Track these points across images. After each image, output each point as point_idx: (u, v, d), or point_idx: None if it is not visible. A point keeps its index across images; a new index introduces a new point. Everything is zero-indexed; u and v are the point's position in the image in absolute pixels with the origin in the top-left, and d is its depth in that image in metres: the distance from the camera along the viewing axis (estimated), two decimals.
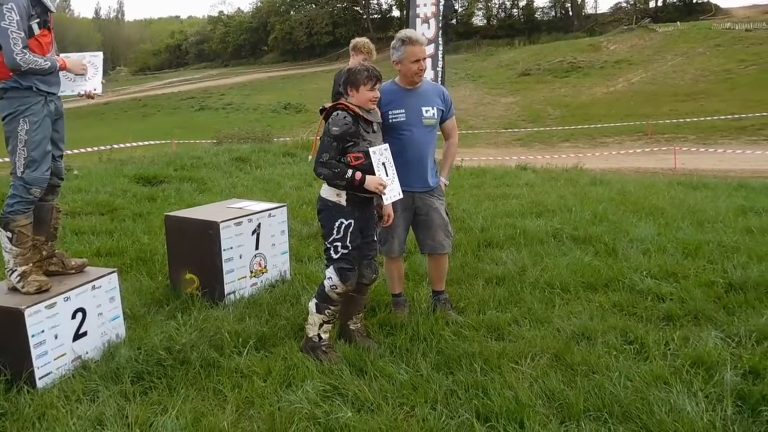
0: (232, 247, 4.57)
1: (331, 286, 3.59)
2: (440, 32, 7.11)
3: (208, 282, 4.57)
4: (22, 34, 3.29)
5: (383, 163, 3.56)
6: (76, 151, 15.21)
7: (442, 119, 4.19)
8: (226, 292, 4.54)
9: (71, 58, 3.72)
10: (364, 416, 2.94)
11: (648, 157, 16.43)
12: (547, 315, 4.13)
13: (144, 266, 5.32)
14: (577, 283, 4.64)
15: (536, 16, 63.82)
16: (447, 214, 4.26)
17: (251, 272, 4.76)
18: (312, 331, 3.66)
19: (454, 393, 3.13)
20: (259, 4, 75.34)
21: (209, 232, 4.49)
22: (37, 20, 3.42)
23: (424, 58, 4.14)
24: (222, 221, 4.48)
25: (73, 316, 3.58)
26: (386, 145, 3.65)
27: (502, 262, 5.20)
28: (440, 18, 7.06)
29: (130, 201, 7.84)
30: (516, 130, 24.05)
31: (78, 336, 3.60)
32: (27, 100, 3.45)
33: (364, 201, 3.63)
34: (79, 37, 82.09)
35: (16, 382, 3.26)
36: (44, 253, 3.76)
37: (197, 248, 4.58)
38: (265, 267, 4.90)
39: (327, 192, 3.62)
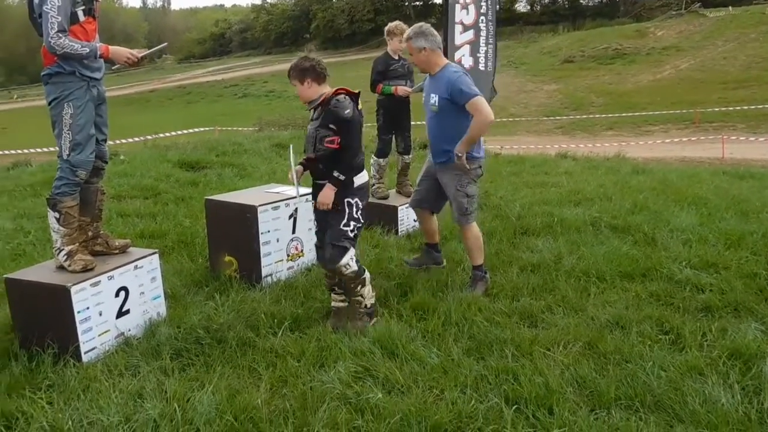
0: (269, 231, 4.65)
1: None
2: (484, 18, 7.03)
3: (246, 264, 4.67)
4: (60, 19, 3.38)
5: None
6: (123, 140, 15.63)
7: (457, 104, 4.23)
8: (263, 275, 4.63)
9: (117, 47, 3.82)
10: (394, 398, 2.99)
11: (694, 147, 15.98)
12: (582, 303, 4.10)
13: (185, 249, 5.46)
14: (614, 272, 4.58)
15: (581, 1, 62.30)
16: (458, 189, 4.43)
17: (288, 256, 4.85)
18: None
19: (484, 378, 3.15)
20: None
21: (247, 215, 4.59)
22: (83, 7, 3.52)
23: (420, 50, 4.36)
24: (260, 205, 4.57)
25: (117, 294, 3.72)
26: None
27: (538, 249, 5.17)
28: (483, 3, 6.98)
29: (173, 186, 8.04)
30: (558, 117, 23.66)
31: (121, 313, 3.74)
32: (70, 85, 3.56)
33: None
34: (126, 26, 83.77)
35: (63, 356, 3.42)
36: (90, 233, 3.91)
37: (236, 231, 4.68)
38: (302, 251, 4.98)
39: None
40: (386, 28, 5.89)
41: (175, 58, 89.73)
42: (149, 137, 14.29)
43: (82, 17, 3.54)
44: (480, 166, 4.49)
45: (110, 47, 3.63)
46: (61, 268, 3.67)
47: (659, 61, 32.34)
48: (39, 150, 15.49)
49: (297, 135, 12.16)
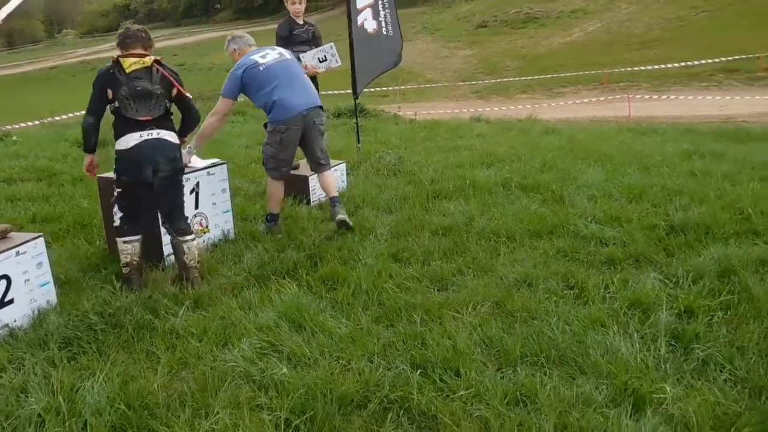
0: None
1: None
2: None
3: (147, 244, 4.40)
4: None
5: None
6: (20, 124, 14.56)
7: None
8: (165, 254, 4.40)
9: None
10: (300, 372, 2.88)
11: (603, 106, 16.49)
12: (492, 264, 4.11)
13: (83, 231, 5.14)
14: (523, 230, 4.63)
15: None
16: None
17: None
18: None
19: (392, 345, 3.09)
20: None
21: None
22: None
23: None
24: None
25: None
26: None
27: (450, 213, 5.16)
28: None
29: (70, 165, 7.54)
30: (474, 82, 23.86)
31: (3, 304, 3.45)
32: None
33: None
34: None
35: None
36: None
37: None
38: (207, 227, 4.76)
39: (176, 138, 4.05)
40: None
41: (76, 33, 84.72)
42: (46, 120, 13.38)
43: None
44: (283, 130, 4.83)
45: None
46: None
47: (569, 25, 33.14)
48: None
49: (205, 108, 11.69)
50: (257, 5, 64.19)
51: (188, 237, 4.05)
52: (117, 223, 4.01)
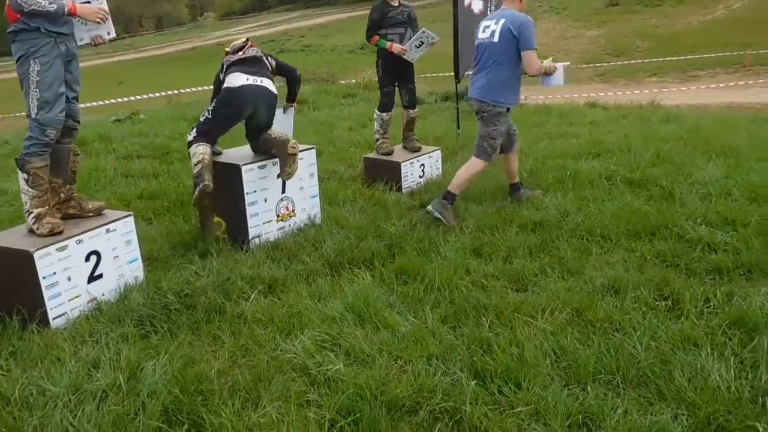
0: (255, 191, 4.47)
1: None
2: None
3: (234, 226, 4.52)
4: None
5: None
6: (149, 95, 15.67)
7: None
8: (250, 236, 4.48)
9: (86, 5, 3.64)
10: (355, 369, 2.80)
11: (743, 92, 14.98)
12: (580, 265, 3.81)
13: (182, 209, 5.36)
14: (621, 230, 4.25)
15: None
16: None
17: (278, 216, 4.67)
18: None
19: (454, 348, 2.93)
20: None
21: (232, 174, 4.41)
22: None
23: None
24: (244, 164, 4.38)
25: (87, 259, 3.61)
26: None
27: (544, 206, 4.85)
28: None
29: (184, 144, 7.92)
30: (599, 64, 22.55)
31: (93, 278, 3.65)
32: (36, 42, 3.40)
33: None
34: None
35: (32, 322, 3.35)
36: (62, 195, 3.80)
37: (223, 191, 4.50)
38: (293, 211, 4.79)
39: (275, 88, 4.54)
40: None
41: (215, 15, 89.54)
42: (173, 92, 14.22)
43: None
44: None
45: (78, 5, 3.45)
46: (31, 231, 3.58)
47: (710, 1, 30.40)
48: None
49: (318, 90, 11.92)
50: None
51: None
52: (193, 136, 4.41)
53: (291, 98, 5.06)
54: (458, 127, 7.13)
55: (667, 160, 5.84)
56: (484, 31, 4.80)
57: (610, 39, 27.76)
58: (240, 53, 4.57)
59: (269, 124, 4.59)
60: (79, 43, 3.74)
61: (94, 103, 15.91)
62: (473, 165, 4.89)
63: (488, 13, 6.82)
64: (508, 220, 4.61)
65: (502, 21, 4.67)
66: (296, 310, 3.38)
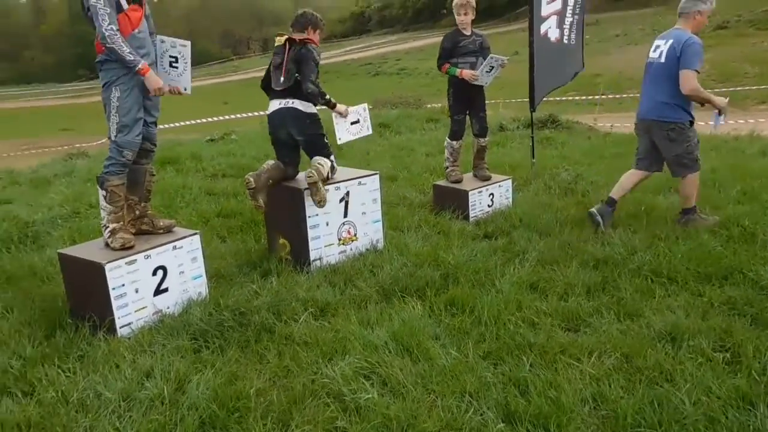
0: (317, 214, 4.60)
1: (332, 166, 4.67)
2: None
3: (297, 248, 4.67)
4: (109, 10, 3.52)
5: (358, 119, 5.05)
6: (248, 114, 16.43)
7: None
8: (311, 259, 4.61)
9: (157, 64, 3.89)
10: (387, 399, 2.82)
11: None
12: (639, 308, 3.64)
13: (254, 229, 5.58)
14: (690, 272, 4.03)
15: None
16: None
17: (339, 239, 4.78)
18: (326, 173, 4.53)
19: (490, 386, 2.88)
20: None
21: (295, 198, 4.57)
22: None
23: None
24: (306, 188, 4.53)
25: (154, 273, 3.85)
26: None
27: (611, 242, 4.67)
28: None
29: None
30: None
31: (159, 291, 3.88)
32: (118, 71, 3.70)
33: None
34: (275, 8, 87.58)
35: (101, 329, 3.60)
36: (137, 212, 4.08)
37: (287, 214, 4.68)
38: (355, 235, 4.88)
39: (308, 108, 4.56)
40: (453, 3, 5.59)
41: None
42: (263, 113, 14.85)
43: (125, 5, 3.65)
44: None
45: (149, 72, 3.67)
46: (106, 244, 3.86)
47: None
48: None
49: (403, 114, 12.08)
50: (481, 8, 64.42)
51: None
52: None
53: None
54: (533, 156, 7.02)
55: (755, 198, 5.48)
56: (654, 50, 5.00)
57: (716, 64, 26.31)
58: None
59: (307, 145, 4.67)
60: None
61: (197, 121, 16.91)
62: (690, 181, 4.97)
63: (565, 41, 6.70)
64: (571, 255, 4.49)
65: (670, 41, 4.85)
66: (342, 335, 3.44)
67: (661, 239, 4.64)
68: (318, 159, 4.59)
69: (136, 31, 3.71)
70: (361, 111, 5.15)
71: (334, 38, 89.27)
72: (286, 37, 4.58)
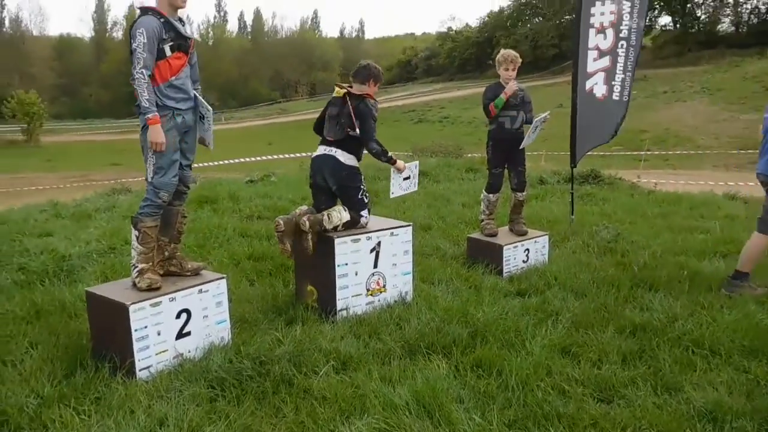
0: (347, 264, 4.54)
1: (365, 221, 4.68)
2: (625, 43, 6.36)
3: (324, 295, 4.61)
4: (146, 55, 3.60)
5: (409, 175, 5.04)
6: (289, 155, 16.69)
7: None
8: (338, 308, 4.53)
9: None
10: None
11: None
12: (678, 381, 3.43)
13: (284, 273, 5.54)
14: (735, 345, 3.80)
15: None
16: None
17: (368, 290, 4.69)
18: (330, 225, 4.49)
19: None
20: (486, 19, 75.93)
21: (326, 246, 4.52)
22: (170, 44, 3.72)
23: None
24: (338, 237, 4.48)
25: (178, 316, 3.82)
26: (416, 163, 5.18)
27: (650, 308, 4.47)
28: (625, 27, 6.32)
29: None
30: (753, 151, 20.88)
31: (181, 335, 3.84)
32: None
33: None
34: (324, 54, 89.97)
35: (120, 371, 3.57)
36: (166, 253, 4.08)
37: (317, 261, 4.63)
38: (384, 286, 4.79)
39: (349, 160, 4.61)
40: (497, 57, 5.60)
41: None
42: (306, 154, 15.06)
43: (168, 53, 3.73)
44: None
45: (155, 126, 3.66)
46: (134, 284, 3.86)
47: None
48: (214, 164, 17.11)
49: (442, 163, 12.06)
50: (527, 61, 64.85)
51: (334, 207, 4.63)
52: None
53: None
54: (572, 213, 6.86)
55: None
56: None
57: None
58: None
59: (341, 195, 4.68)
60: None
61: (240, 160, 17.25)
62: (761, 243, 4.83)
63: (614, 97, 6.58)
64: (607, 319, 4.29)
65: None
66: (362, 392, 3.32)
67: (704, 307, 4.42)
68: (336, 209, 4.59)
69: (174, 78, 3.77)
70: (413, 168, 5.16)
71: (381, 85, 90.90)
72: (346, 90, 4.63)
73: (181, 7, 3.81)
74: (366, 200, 4.73)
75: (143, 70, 3.60)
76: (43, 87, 58.60)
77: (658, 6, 57.61)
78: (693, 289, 4.83)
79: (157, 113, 3.69)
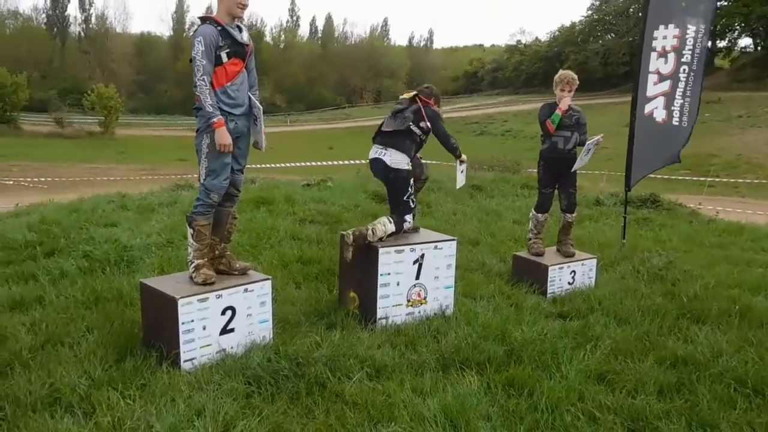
0: (389, 273, 4.63)
1: (408, 225, 4.82)
2: (687, 67, 6.24)
3: (366, 303, 4.71)
4: (205, 62, 3.79)
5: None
6: (347, 162, 16.95)
7: None
8: (378, 316, 4.62)
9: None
10: None
11: None
12: (715, 419, 3.36)
13: (330, 278, 5.68)
14: None
15: None
16: None
17: (408, 301, 4.77)
18: (374, 237, 4.58)
19: None
20: (556, 33, 74.91)
21: (370, 255, 4.62)
22: (227, 50, 3.90)
23: None
24: (382, 246, 4.58)
25: (223, 313, 3.99)
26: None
27: (695, 341, 4.37)
28: (688, 52, 6.19)
29: (356, 215, 8.43)
30: None
31: (225, 331, 4.01)
32: (209, 119, 3.95)
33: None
34: (391, 63, 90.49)
35: (166, 360, 3.77)
36: (216, 252, 4.27)
37: (360, 269, 4.74)
38: (425, 298, 4.86)
39: (395, 163, 4.76)
40: (555, 78, 5.60)
41: None
42: (361, 161, 15.23)
43: (225, 59, 3.91)
44: None
45: (220, 129, 3.84)
46: (190, 278, 4.07)
47: None
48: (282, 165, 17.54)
49: (498, 178, 12.00)
50: (596, 78, 63.60)
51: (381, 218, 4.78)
52: None
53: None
54: (623, 237, 6.74)
55: None
56: None
57: None
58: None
59: (388, 195, 4.94)
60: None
61: (300, 164, 17.64)
62: None
63: (674, 122, 6.45)
64: (648, 349, 4.23)
65: None
66: (392, 401, 3.40)
67: (752, 344, 4.29)
68: (381, 221, 4.71)
69: (229, 84, 3.94)
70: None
71: (445, 95, 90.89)
72: (415, 93, 4.96)
73: (239, 17, 3.99)
74: (412, 205, 4.83)
75: (204, 77, 3.79)
76: (122, 82, 61.47)
77: (738, 27, 55.57)
78: (743, 324, 4.69)
79: (221, 117, 3.87)
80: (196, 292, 3.88)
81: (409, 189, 4.82)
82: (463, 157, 5.18)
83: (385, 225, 4.67)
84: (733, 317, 4.82)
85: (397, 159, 4.77)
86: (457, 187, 5.43)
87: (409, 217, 4.80)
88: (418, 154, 5.06)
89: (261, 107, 4.17)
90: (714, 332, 4.53)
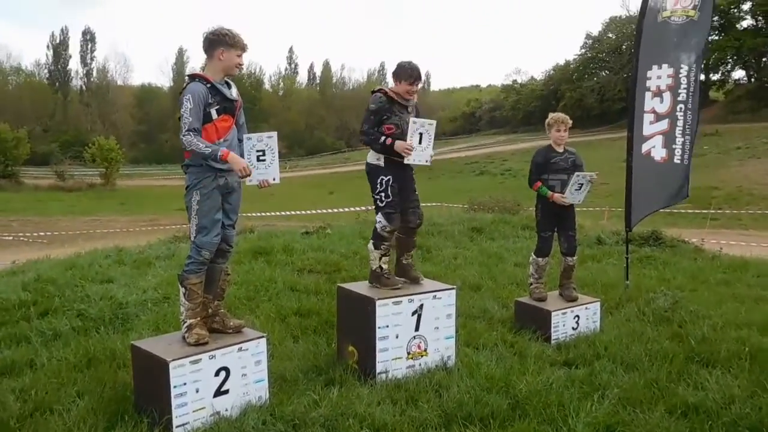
0: (388, 326, 4.52)
1: (381, 227, 4.65)
2: (683, 106, 6.23)
3: (364, 357, 4.58)
4: (191, 119, 3.76)
5: (420, 133, 4.54)
6: (346, 209, 16.94)
7: None
8: (377, 371, 4.49)
9: (246, 143, 4.00)
10: None
11: None
12: None
13: (328, 331, 5.56)
14: None
15: None
16: None
17: (408, 353, 4.64)
18: (375, 264, 4.68)
19: None
20: (551, 72, 75.94)
21: (367, 307, 4.52)
22: (216, 107, 3.89)
23: None
24: (379, 299, 4.48)
25: (217, 374, 3.88)
26: (432, 121, 4.65)
27: (706, 386, 4.22)
28: (683, 90, 6.20)
29: (355, 263, 8.32)
30: None
31: (219, 393, 3.89)
32: (199, 175, 3.91)
33: (398, 164, 4.59)
34: None
35: (157, 426, 3.63)
36: (209, 310, 4.18)
37: (358, 322, 4.64)
38: (425, 350, 4.73)
39: (371, 158, 4.67)
40: (547, 120, 5.59)
41: None
42: (360, 209, 15.21)
43: (215, 116, 3.90)
44: None
45: (230, 154, 3.78)
46: (183, 338, 3.96)
47: None
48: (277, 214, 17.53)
49: (498, 219, 11.94)
50: (593, 114, 64.18)
51: None
52: None
53: None
54: (627, 278, 6.63)
55: None
56: None
57: None
58: None
59: None
60: (248, 183, 4.04)
61: (299, 212, 17.63)
62: None
63: (676, 161, 6.39)
64: (657, 397, 4.09)
65: None
66: None
67: (764, 389, 4.14)
68: (368, 247, 4.77)
69: (221, 140, 3.90)
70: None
71: (443, 135, 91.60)
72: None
73: (234, 75, 4.00)
74: (381, 204, 4.63)
75: (190, 132, 3.75)
76: (123, 133, 62.17)
77: (731, 60, 56.32)
78: (754, 367, 4.55)
79: (222, 147, 3.78)
80: (189, 353, 3.78)
81: (378, 186, 4.62)
82: (399, 144, 4.47)
83: (371, 250, 4.73)
84: (743, 360, 4.68)
85: (369, 155, 4.74)
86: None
87: (379, 218, 4.67)
88: (415, 194, 4.81)
89: (274, 134, 4.06)
90: (724, 376, 4.38)
